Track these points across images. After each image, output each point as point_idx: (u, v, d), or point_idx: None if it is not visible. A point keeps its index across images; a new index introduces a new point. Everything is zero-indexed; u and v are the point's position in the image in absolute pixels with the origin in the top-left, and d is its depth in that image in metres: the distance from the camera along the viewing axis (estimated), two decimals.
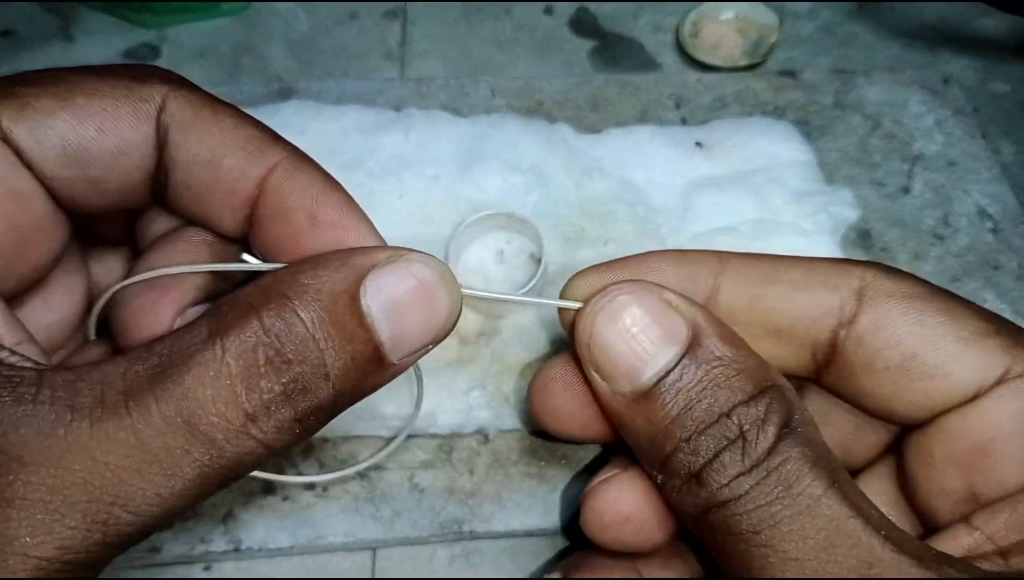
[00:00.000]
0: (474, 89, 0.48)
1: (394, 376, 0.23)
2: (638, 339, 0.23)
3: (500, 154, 0.43)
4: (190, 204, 0.25)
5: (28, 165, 0.23)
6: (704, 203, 0.42)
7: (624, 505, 0.26)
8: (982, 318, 0.24)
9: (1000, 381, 0.23)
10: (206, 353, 0.20)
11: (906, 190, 0.45)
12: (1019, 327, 0.24)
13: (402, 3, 0.54)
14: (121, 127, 0.23)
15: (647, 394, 0.23)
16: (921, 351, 0.24)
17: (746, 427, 0.22)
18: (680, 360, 0.23)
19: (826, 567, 0.20)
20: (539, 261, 0.39)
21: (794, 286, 0.25)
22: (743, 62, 0.50)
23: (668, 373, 0.23)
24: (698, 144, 0.45)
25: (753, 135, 0.45)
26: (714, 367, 0.23)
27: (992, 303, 0.41)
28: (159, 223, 0.27)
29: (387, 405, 0.35)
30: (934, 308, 0.24)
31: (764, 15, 0.52)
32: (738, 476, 0.22)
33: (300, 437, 0.22)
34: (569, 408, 0.27)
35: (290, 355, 0.21)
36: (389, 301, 0.22)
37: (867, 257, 0.42)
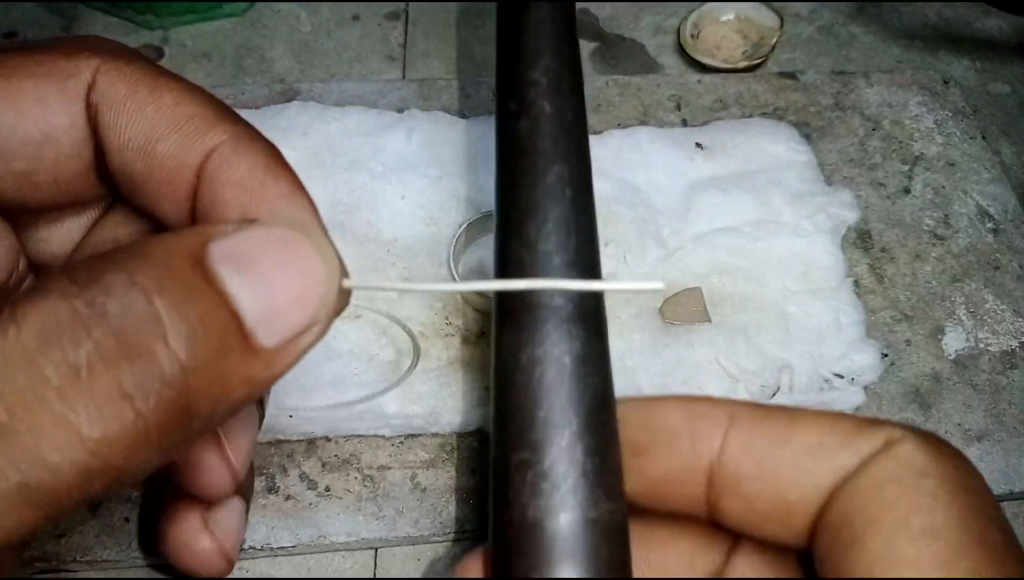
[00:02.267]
0: (476, 90, 0.48)
1: (276, 368, 0.18)
2: None
3: None
4: (130, 195, 0.21)
5: None
6: (705, 204, 0.42)
7: None
8: (962, 523, 0.19)
9: None
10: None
11: (906, 191, 0.45)
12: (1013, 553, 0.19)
13: (404, 4, 0.54)
14: (46, 110, 0.20)
15: None
16: (856, 519, 0.20)
17: None
18: None
19: None
20: None
21: (809, 450, 0.21)
22: (743, 63, 0.50)
23: None
24: (699, 145, 0.45)
25: (753, 136, 0.45)
26: None
27: (992, 303, 0.41)
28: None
29: (389, 404, 0.35)
30: (915, 485, 0.19)
31: (765, 17, 0.52)
32: None
33: (142, 435, 0.16)
34: None
35: (107, 306, 0.16)
36: (241, 260, 0.18)
37: (867, 258, 0.42)
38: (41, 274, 0.18)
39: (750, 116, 0.47)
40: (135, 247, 0.17)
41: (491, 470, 0.22)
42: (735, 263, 0.41)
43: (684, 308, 0.39)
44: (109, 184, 0.22)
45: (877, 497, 0.19)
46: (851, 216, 0.43)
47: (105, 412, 0.15)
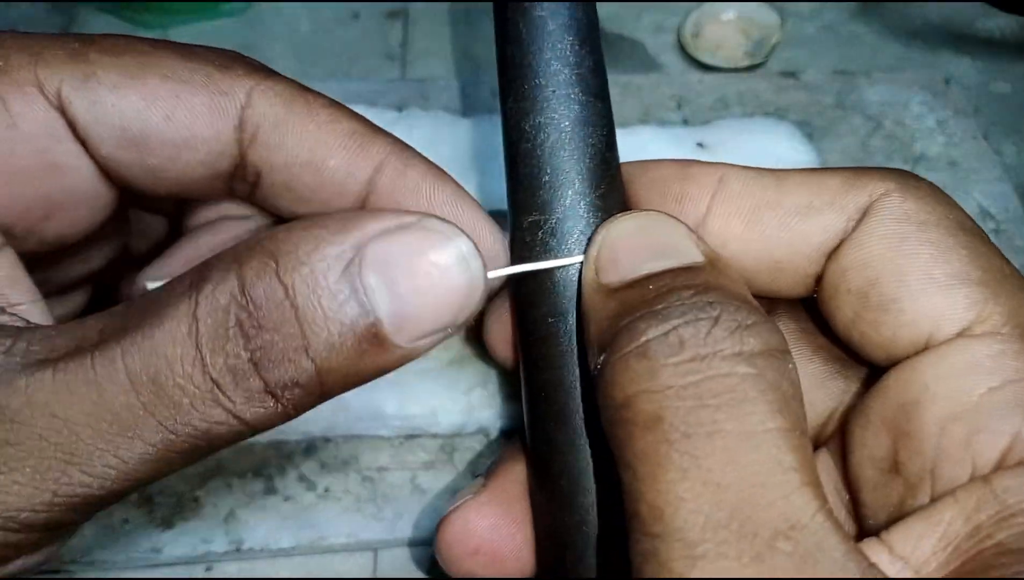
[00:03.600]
0: (476, 90, 0.48)
1: (405, 360, 0.20)
2: (646, 240, 0.22)
3: (501, 156, 0.43)
4: (292, 205, 0.24)
5: (83, 139, 0.21)
6: None
7: (473, 537, 0.25)
8: (975, 264, 0.21)
9: (958, 335, 0.20)
10: (180, 306, 0.19)
11: None
12: (1020, 281, 0.21)
13: (404, 3, 0.54)
14: (193, 120, 0.22)
15: (633, 283, 0.21)
16: (884, 279, 0.21)
17: (723, 319, 0.19)
18: (681, 275, 0.21)
19: (743, 509, 0.17)
20: None
21: (796, 211, 0.22)
22: (745, 63, 0.50)
23: (661, 274, 0.21)
24: (700, 145, 0.45)
25: (755, 135, 0.45)
26: (711, 298, 0.20)
27: None
28: (209, 208, 0.26)
29: (388, 404, 0.35)
30: (927, 238, 0.21)
31: (766, 16, 0.52)
32: (692, 360, 0.18)
33: (281, 414, 0.20)
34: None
35: (262, 320, 0.19)
36: (389, 268, 0.19)
37: None
38: (210, 260, 0.20)
39: (752, 115, 0.47)
40: (298, 247, 0.19)
41: (510, 239, 0.24)
42: None
43: None
44: (239, 191, 0.24)
45: (893, 256, 0.21)
46: None
47: (253, 403, 0.19)
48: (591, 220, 0.23)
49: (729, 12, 0.52)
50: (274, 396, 0.19)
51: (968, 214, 0.22)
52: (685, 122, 0.47)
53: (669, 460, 0.18)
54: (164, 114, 0.21)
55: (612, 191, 0.23)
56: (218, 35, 0.52)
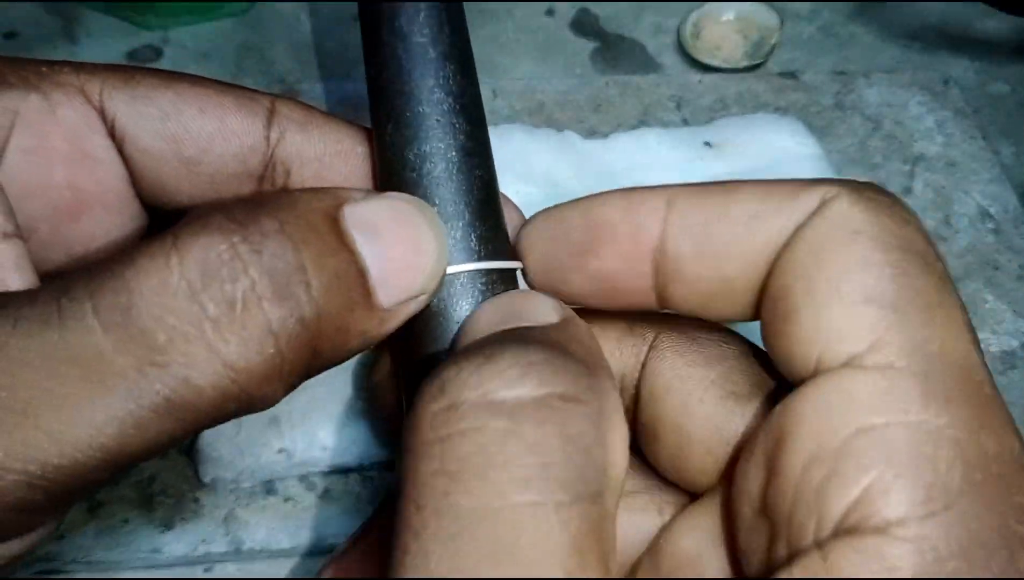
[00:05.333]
0: None
1: (384, 330, 0.20)
2: (507, 310, 0.20)
3: (513, 165, 0.43)
4: None
5: (122, 136, 0.22)
6: None
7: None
8: (896, 283, 0.17)
9: (845, 364, 0.17)
10: (154, 243, 0.17)
11: (907, 191, 0.45)
12: (948, 313, 0.18)
13: None
14: (224, 113, 0.23)
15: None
16: (795, 287, 0.18)
17: (502, 358, 0.17)
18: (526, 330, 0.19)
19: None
20: None
21: (742, 220, 0.20)
22: (744, 63, 0.50)
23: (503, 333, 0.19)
24: (707, 144, 0.45)
25: (761, 131, 0.45)
26: (507, 339, 0.18)
27: (992, 303, 0.41)
28: None
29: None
30: (853, 248, 0.18)
31: (765, 16, 0.52)
32: (448, 409, 0.16)
33: (275, 367, 0.17)
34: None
35: (261, 247, 0.17)
36: (369, 225, 0.20)
37: None
38: (191, 209, 0.19)
39: (754, 112, 0.47)
40: (282, 198, 0.19)
41: None
42: None
43: None
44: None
45: (811, 263, 0.18)
46: (896, 190, 0.43)
47: (251, 345, 0.17)
48: (482, 253, 0.22)
49: (728, 13, 0.52)
50: (274, 336, 0.17)
51: (927, 237, 0.19)
52: (685, 122, 0.47)
53: (405, 547, 0.15)
54: (197, 108, 0.22)
55: (499, 224, 0.23)
56: (218, 35, 0.52)
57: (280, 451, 0.34)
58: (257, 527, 0.34)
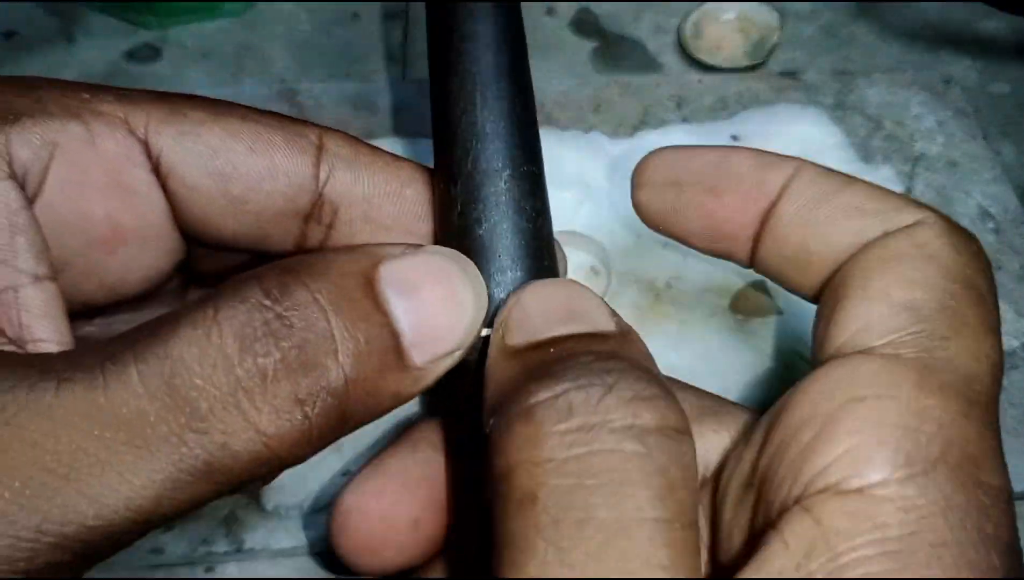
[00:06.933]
0: None
1: (418, 388, 0.20)
2: (560, 305, 0.21)
3: (546, 171, 0.43)
4: (371, 236, 0.24)
5: (167, 171, 0.22)
6: None
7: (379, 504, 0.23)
8: (932, 297, 0.19)
9: (862, 351, 0.19)
10: (196, 313, 0.18)
11: (908, 191, 0.45)
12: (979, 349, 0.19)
13: (404, 4, 0.54)
14: (273, 151, 0.22)
15: (538, 345, 0.20)
16: (848, 280, 0.20)
17: (619, 387, 0.18)
18: (586, 340, 0.20)
19: None
20: (599, 273, 0.40)
21: (844, 208, 0.22)
22: (744, 63, 0.50)
23: (567, 338, 0.20)
24: (734, 137, 0.45)
25: (786, 122, 0.46)
26: (611, 366, 0.19)
27: None
28: None
29: None
30: (913, 272, 0.20)
31: (766, 16, 0.52)
32: (579, 430, 0.17)
33: (304, 433, 0.18)
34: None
35: (293, 320, 0.18)
36: (406, 285, 0.20)
37: None
38: (230, 279, 0.19)
39: (773, 104, 0.47)
40: (315, 264, 0.19)
41: None
42: None
43: (754, 302, 0.40)
44: (308, 236, 0.24)
45: (878, 266, 0.20)
46: (896, 190, 0.43)
47: (281, 414, 0.18)
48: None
49: (729, 12, 0.52)
50: (303, 405, 0.18)
51: (993, 283, 0.20)
52: (685, 121, 0.47)
53: (534, 549, 0.16)
54: (247, 146, 0.22)
55: (555, 268, 0.23)
56: (218, 35, 0.52)
57: (344, 474, 0.35)
58: (258, 527, 0.34)
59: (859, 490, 0.17)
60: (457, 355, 0.21)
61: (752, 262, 0.24)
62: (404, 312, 0.19)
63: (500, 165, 0.22)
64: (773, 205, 0.22)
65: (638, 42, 0.53)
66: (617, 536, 0.16)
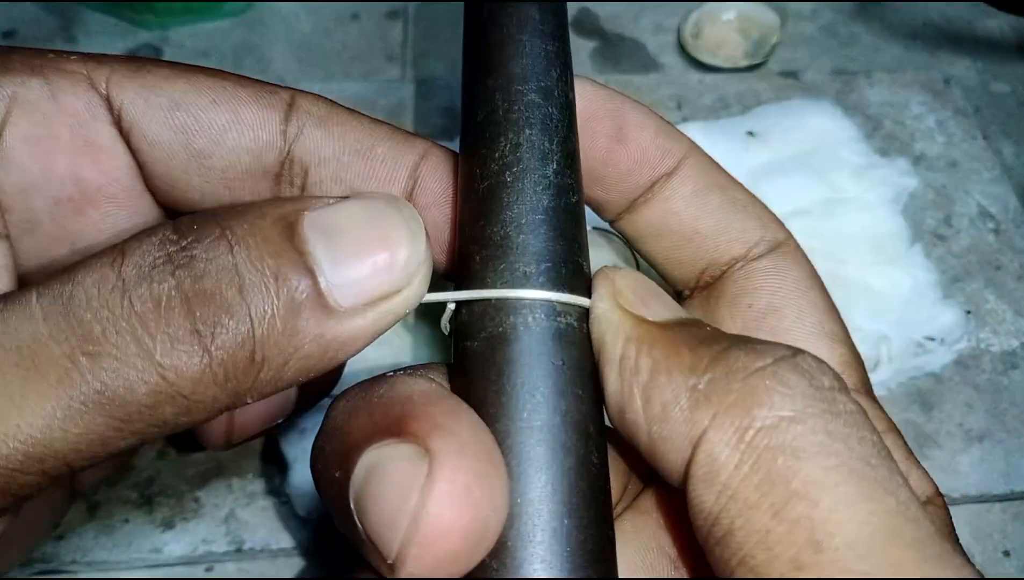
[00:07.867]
0: None
1: (349, 334, 0.19)
2: (648, 288, 0.22)
3: None
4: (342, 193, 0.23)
5: (129, 126, 0.21)
6: (771, 189, 0.42)
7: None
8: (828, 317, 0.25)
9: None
10: (108, 248, 0.18)
11: None
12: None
13: (404, 4, 0.54)
14: (239, 105, 0.22)
15: (675, 323, 0.21)
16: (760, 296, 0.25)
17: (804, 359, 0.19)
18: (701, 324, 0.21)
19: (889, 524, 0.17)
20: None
21: (731, 207, 0.25)
22: (745, 63, 0.50)
23: (688, 322, 0.21)
24: (750, 133, 0.45)
25: (801, 117, 0.46)
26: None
27: (993, 303, 0.41)
28: None
29: None
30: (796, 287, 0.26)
31: (766, 16, 0.52)
32: (818, 389, 0.18)
33: (208, 370, 0.17)
34: None
35: (195, 251, 0.18)
36: (331, 228, 0.19)
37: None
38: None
39: (788, 98, 0.48)
40: (238, 208, 0.19)
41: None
42: (811, 244, 0.40)
43: None
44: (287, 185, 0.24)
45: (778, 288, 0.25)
46: (910, 182, 0.44)
47: (176, 343, 0.17)
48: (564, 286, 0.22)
49: (729, 12, 0.52)
50: (200, 337, 0.17)
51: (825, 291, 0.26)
52: (684, 120, 0.47)
53: (834, 485, 0.17)
54: (210, 99, 0.22)
55: (585, 263, 0.24)
56: (218, 35, 0.52)
57: None
58: (258, 527, 0.34)
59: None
60: (397, 301, 0.19)
61: (618, 218, 0.26)
62: (324, 250, 0.18)
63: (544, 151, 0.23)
64: (667, 176, 0.25)
65: (638, 42, 0.53)
66: (875, 474, 0.17)
